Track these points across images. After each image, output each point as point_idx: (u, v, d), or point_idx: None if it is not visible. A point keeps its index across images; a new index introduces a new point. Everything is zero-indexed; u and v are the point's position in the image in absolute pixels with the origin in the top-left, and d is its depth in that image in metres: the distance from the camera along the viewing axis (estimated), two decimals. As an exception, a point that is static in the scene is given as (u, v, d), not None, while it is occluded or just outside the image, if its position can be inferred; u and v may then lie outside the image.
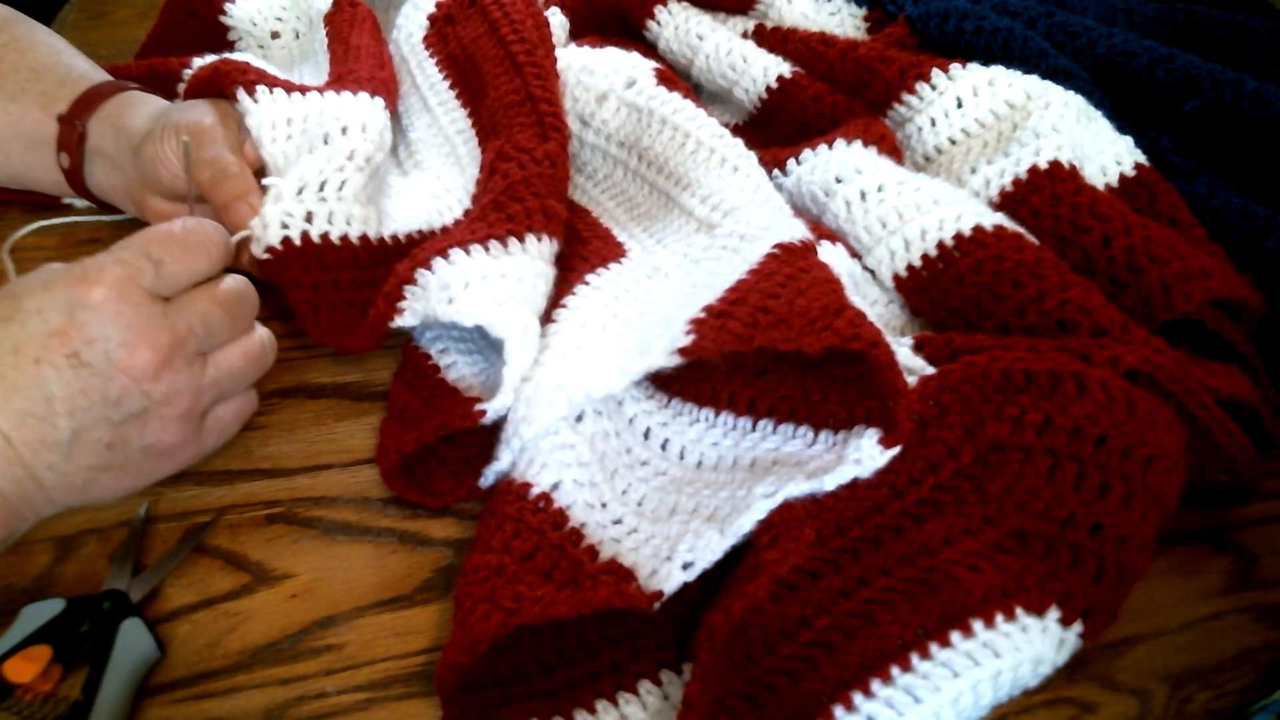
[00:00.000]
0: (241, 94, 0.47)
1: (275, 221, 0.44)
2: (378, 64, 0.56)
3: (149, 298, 0.36)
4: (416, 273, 0.43)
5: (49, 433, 0.33)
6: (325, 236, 0.45)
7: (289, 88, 0.49)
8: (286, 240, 0.44)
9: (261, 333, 0.41)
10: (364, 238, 0.46)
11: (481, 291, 0.42)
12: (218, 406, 0.39)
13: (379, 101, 0.50)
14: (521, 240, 0.44)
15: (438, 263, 0.43)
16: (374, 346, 0.44)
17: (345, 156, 0.46)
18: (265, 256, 0.43)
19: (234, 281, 0.40)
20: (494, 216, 0.45)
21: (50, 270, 0.36)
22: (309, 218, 0.44)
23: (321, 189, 0.45)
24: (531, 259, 0.45)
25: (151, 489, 0.41)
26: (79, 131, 0.49)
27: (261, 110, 0.47)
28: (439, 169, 0.54)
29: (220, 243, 0.40)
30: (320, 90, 0.50)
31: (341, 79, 0.52)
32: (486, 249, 0.44)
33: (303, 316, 0.44)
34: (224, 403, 0.40)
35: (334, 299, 0.45)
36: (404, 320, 0.43)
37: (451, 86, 0.56)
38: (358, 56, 0.55)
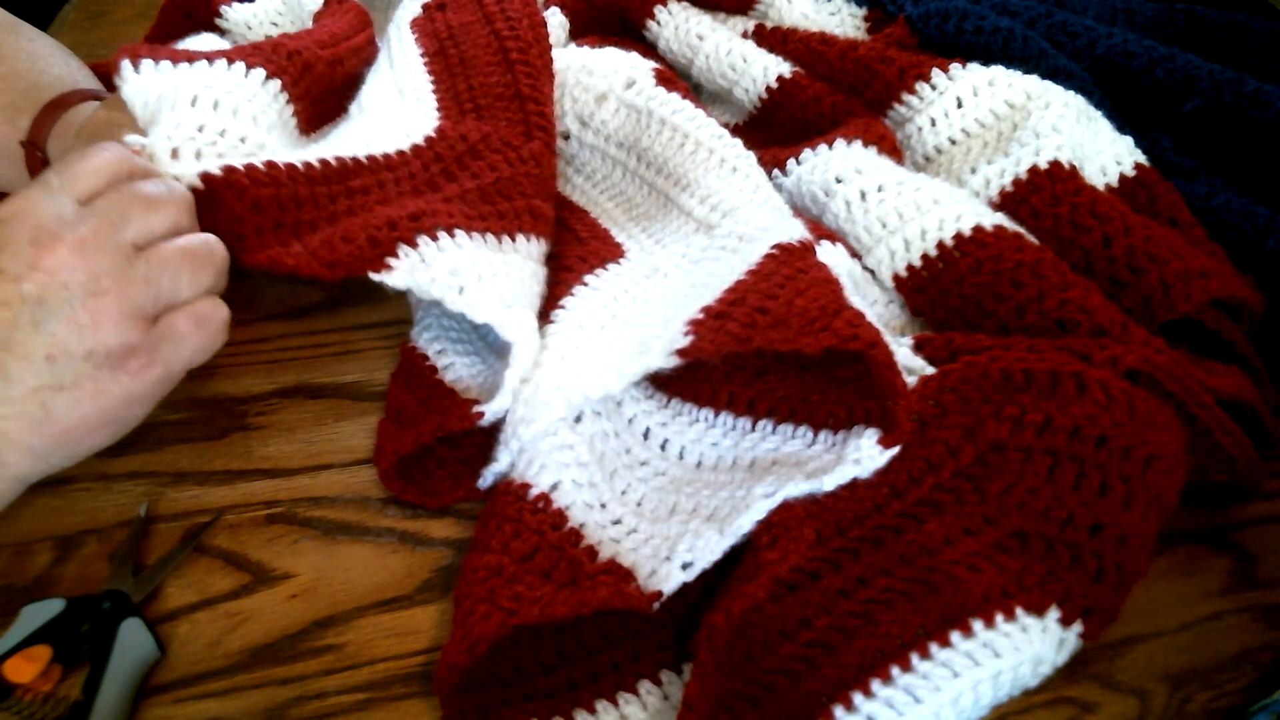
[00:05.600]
0: (125, 66, 0.44)
1: (169, 175, 0.40)
2: (325, 41, 0.53)
3: (58, 200, 0.35)
4: (419, 237, 0.42)
5: None
6: (227, 168, 0.41)
7: (189, 58, 0.46)
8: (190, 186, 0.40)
9: (207, 235, 0.38)
10: (270, 163, 0.42)
11: (492, 289, 0.41)
12: (169, 313, 0.37)
13: (257, 73, 0.47)
14: (513, 239, 0.44)
15: (444, 238, 0.42)
16: (332, 278, 0.40)
17: (217, 132, 0.43)
18: None
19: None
20: (485, 209, 0.45)
21: None
22: (200, 158, 0.41)
23: (199, 156, 0.42)
24: (523, 259, 0.45)
25: (151, 488, 0.42)
26: (40, 160, 0.48)
27: (130, 82, 0.44)
28: (377, 115, 0.51)
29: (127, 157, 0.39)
30: (209, 59, 0.46)
31: (254, 48, 0.49)
32: (484, 240, 0.44)
33: (231, 245, 0.40)
34: (176, 310, 0.37)
35: (259, 221, 0.41)
36: (389, 278, 0.41)
37: (424, 55, 0.54)
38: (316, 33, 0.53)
